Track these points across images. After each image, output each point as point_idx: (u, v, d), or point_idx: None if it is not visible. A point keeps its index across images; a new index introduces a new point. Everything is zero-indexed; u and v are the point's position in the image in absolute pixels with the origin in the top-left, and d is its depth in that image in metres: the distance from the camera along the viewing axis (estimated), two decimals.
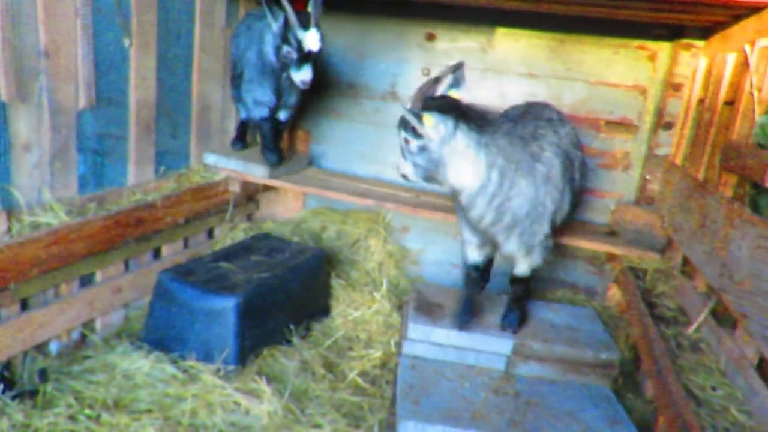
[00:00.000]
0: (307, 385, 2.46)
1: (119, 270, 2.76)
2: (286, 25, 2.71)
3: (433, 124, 2.06)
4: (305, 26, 2.68)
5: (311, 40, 2.70)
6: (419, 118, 2.05)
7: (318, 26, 2.72)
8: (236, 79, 3.29)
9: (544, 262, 2.55)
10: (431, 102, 2.11)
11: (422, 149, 2.12)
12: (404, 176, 2.26)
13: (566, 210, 2.50)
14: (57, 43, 2.32)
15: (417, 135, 2.10)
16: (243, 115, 3.50)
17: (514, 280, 2.63)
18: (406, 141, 2.14)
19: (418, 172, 2.20)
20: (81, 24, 2.41)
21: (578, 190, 2.62)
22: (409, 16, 3.60)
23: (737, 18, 2.55)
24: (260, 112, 3.17)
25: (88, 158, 2.59)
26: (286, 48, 2.74)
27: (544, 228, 2.36)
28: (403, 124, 2.13)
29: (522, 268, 2.57)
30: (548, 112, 2.60)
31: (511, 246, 2.39)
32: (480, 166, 2.13)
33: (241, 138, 3.58)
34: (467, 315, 2.58)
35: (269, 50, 2.91)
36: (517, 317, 2.59)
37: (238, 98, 3.45)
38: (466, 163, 2.12)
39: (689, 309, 2.43)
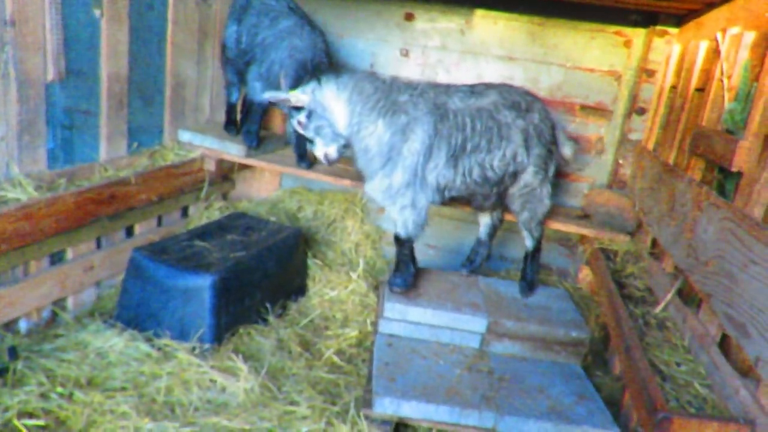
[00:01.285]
0: (283, 363, 2.47)
1: (91, 247, 2.70)
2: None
3: (299, 91, 2.43)
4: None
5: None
6: (287, 96, 2.44)
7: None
8: (235, 61, 3.24)
9: (414, 232, 2.55)
10: None
11: (310, 115, 2.45)
12: (327, 157, 2.53)
13: (454, 181, 2.51)
14: (24, 11, 2.23)
15: (299, 108, 2.44)
16: (234, 98, 3.44)
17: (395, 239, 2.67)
18: (299, 122, 2.47)
19: (328, 140, 2.49)
20: None
21: (503, 172, 2.58)
22: None
23: (710, 6, 2.61)
24: (262, 99, 3.15)
25: (57, 132, 2.52)
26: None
27: (400, 178, 2.42)
28: (289, 112, 2.44)
29: (397, 228, 2.59)
30: (481, 88, 2.61)
31: (371, 186, 2.51)
32: (345, 104, 2.43)
33: (233, 122, 3.51)
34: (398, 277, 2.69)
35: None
36: (396, 278, 2.64)
37: (233, 82, 3.39)
38: (339, 106, 2.43)
39: (657, 289, 2.52)
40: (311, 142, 2.56)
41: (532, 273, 2.92)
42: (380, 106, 2.41)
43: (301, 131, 2.54)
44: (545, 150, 2.65)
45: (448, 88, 2.58)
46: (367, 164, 2.49)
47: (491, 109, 2.53)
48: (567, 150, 2.80)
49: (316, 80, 2.42)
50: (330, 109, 2.44)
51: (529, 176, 2.65)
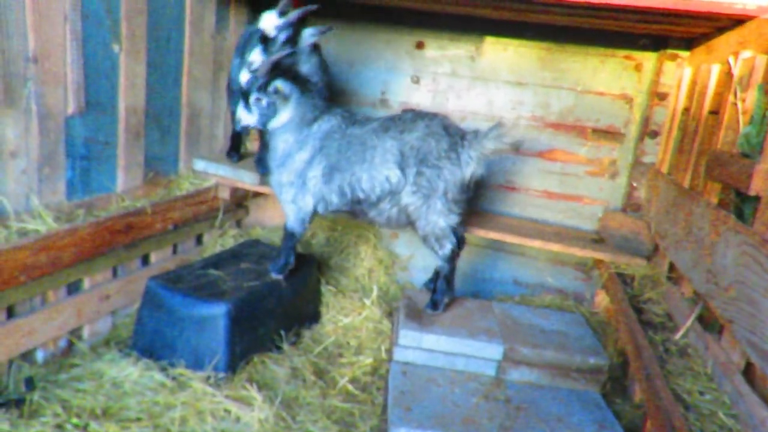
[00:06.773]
0: (297, 392, 2.45)
1: (107, 277, 2.73)
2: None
3: (282, 90, 2.65)
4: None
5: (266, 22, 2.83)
6: (267, 86, 2.63)
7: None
8: (238, 92, 3.28)
9: (295, 226, 2.81)
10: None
11: (271, 105, 2.67)
12: (245, 127, 2.73)
13: (330, 196, 2.72)
14: (46, 48, 2.30)
15: (268, 95, 2.65)
16: (239, 127, 3.48)
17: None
18: (258, 99, 2.66)
19: (260, 121, 2.71)
20: (70, 29, 2.39)
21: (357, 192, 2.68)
22: (399, 24, 3.62)
23: (721, 30, 2.61)
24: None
25: (76, 164, 2.57)
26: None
27: (287, 177, 2.74)
28: (258, 89, 2.63)
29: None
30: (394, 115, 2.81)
31: (272, 179, 2.83)
32: (287, 122, 2.71)
33: (237, 149, 3.56)
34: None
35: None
36: (271, 264, 2.90)
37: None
38: (284, 116, 2.70)
39: (676, 314, 2.47)
40: (246, 103, 2.69)
41: (440, 293, 2.77)
42: (296, 123, 2.72)
43: (252, 104, 2.70)
44: (427, 168, 2.58)
45: (367, 119, 2.80)
46: (272, 160, 2.79)
47: (366, 135, 2.69)
48: (488, 144, 2.60)
49: (297, 90, 2.69)
50: (279, 112, 2.69)
51: (407, 196, 2.63)
